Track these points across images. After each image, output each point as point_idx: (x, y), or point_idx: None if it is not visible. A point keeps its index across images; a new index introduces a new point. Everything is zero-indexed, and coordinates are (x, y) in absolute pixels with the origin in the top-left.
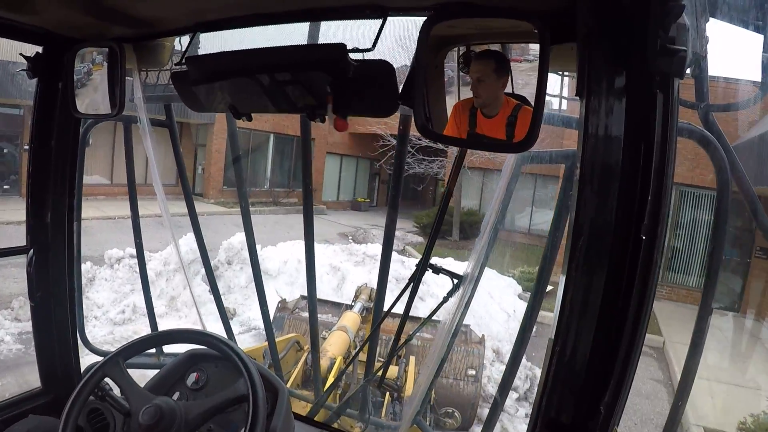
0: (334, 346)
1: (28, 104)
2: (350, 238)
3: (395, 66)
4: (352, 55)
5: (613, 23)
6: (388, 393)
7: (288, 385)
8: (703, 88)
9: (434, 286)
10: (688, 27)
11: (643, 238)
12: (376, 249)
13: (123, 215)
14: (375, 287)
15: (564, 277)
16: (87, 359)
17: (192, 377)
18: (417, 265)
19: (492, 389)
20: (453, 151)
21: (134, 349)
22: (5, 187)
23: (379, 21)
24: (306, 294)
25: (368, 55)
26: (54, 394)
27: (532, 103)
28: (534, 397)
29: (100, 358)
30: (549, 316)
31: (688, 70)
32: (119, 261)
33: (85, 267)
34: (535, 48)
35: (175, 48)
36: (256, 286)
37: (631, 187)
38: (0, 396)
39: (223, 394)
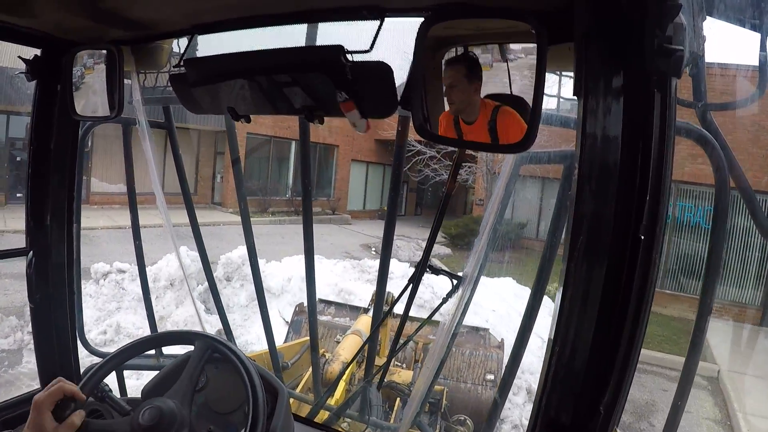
0: (347, 350)
1: None
2: (373, 249)
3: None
4: (350, 57)
5: (611, 23)
6: (399, 398)
7: (298, 389)
8: (701, 87)
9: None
10: (685, 26)
11: (642, 237)
12: (394, 264)
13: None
14: (394, 293)
15: (563, 277)
16: (86, 361)
17: None
18: (416, 266)
19: (510, 394)
20: (483, 156)
21: (134, 350)
22: (18, 195)
23: (377, 23)
24: (323, 298)
25: (367, 57)
26: None
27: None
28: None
29: (99, 359)
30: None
31: (685, 69)
32: (105, 276)
33: None
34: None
35: (173, 50)
36: (256, 289)
37: (630, 186)
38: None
39: (224, 402)
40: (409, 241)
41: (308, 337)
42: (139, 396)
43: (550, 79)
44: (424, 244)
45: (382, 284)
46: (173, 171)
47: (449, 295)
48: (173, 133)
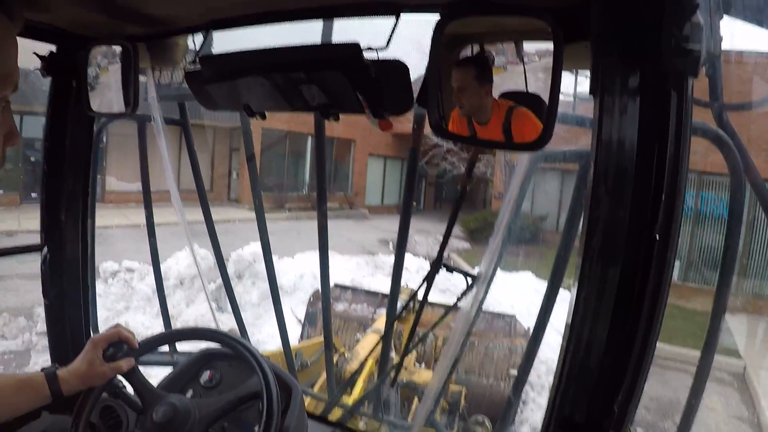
0: (367, 349)
1: None
2: (391, 244)
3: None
4: (367, 54)
5: (627, 22)
6: (417, 397)
7: (316, 388)
8: (717, 87)
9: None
10: (702, 26)
11: (657, 237)
12: (409, 258)
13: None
14: (414, 288)
15: (578, 276)
16: None
17: (205, 375)
18: (431, 264)
19: (534, 392)
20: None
21: (148, 346)
22: (33, 195)
23: (393, 20)
24: (339, 283)
25: (382, 53)
26: None
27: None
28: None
29: None
30: None
31: (702, 69)
32: (114, 275)
33: None
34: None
35: (189, 47)
36: (270, 285)
37: (645, 186)
38: None
39: (236, 391)
40: (428, 236)
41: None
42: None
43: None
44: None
45: (396, 282)
46: (188, 168)
47: (464, 293)
48: (188, 130)
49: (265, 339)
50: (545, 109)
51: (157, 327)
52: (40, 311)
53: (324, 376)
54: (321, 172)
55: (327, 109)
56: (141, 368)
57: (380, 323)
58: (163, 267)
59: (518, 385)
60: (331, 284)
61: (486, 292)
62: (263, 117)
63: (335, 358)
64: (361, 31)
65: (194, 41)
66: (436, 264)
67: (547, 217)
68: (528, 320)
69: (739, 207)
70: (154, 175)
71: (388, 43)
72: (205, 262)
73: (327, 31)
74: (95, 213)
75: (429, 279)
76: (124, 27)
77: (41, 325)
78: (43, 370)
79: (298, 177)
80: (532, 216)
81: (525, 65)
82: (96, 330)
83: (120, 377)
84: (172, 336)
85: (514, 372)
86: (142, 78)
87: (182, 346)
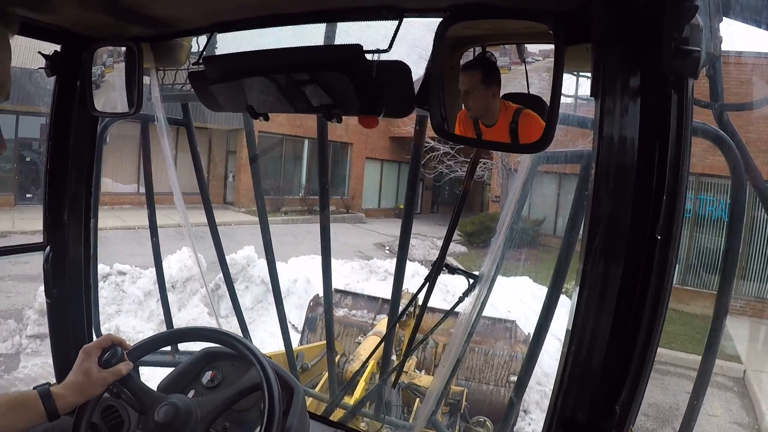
0: (368, 351)
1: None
2: (387, 248)
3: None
4: (369, 56)
5: (628, 24)
6: (418, 399)
7: (317, 389)
8: (718, 88)
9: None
10: (702, 27)
11: (659, 237)
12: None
13: (145, 225)
14: (413, 292)
15: (579, 276)
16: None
17: (207, 375)
18: (432, 265)
19: (535, 396)
20: (498, 153)
21: (149, 346)
22: (28, 195)
23: (395, 22)
24: (339, 288)
25: (385, 56)
26: None
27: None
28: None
29: None
30: None
31: (702, 70)
32: (105, 278)
33: None
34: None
35: (193, 48)
36: (273, 287)
37: (646, 186)
38: None
39: (235, 386)
40: (424, 239)
41: (322, 342)
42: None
43: (567, 80)
44: (439, 243)
45: (399, 283)
46: (186, 169)
47: (465, 294)
48: (192, 131)
49: (257, 344)
50: (546, 111)
51: (149, 331)
52: (30, 314)
53: (325, 376)
54: (323, 175)
55: (330, 111)
56: (143, 369)
57: (381, 326)
58: (154, 270)
59: (520, 386)
60: (309, 315)
61: (489, 293)
62: (266, 118)
63: (337, 359)
64: (366, 34)
65: (198, 42)
66: (438, 265)
67: (545, 221)
68: (526, 325)
69: (740, 207)
70: (154, 176)
71: (390, 45)
72: (197, 266)
73: (330, 34)
74: (98, 213)
75: (431, 280)
76: (128, 28)
77: (31, 328)
78: (35, 388)
79: (294, 180)
80: (530, 220)
81: (528, 65)
82: (98, 329)
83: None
84: (173, 336)
85: (514, 378)
86: (145, 79)
87: (183, 347)
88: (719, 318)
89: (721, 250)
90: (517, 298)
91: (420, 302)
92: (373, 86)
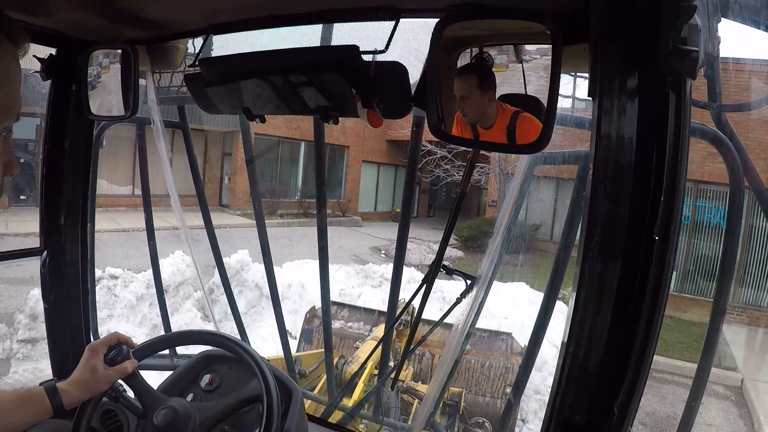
0: (367, 354)
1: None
2: (383, 252)
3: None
4: (366, 57)
5: (626, 24)
6: (417, 400)
7: (315, 391)
8: (716, 88)
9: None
10: (700, 27)
11: (656, 238)
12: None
13: (139, 227)
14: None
15: (577, 278)
16: None
17: (206, 378)
18: (430, 267)
19: (534, 405)
20: (496, 157)
21: (148, 350)
22: (22, 197)
23: (392, 23)
24: (337, 300)
25: (381, 57)
26: None
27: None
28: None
29: None
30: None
31: (700, 71)
32: (97, 282)
33: None
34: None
35: (188, 50)
36: (270, 290)
37: (644, 187)
38: None
39: (237, 395)
40: (420, 243)
41: (323, 349)
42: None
43: (564, 80)
44: (435, 247)
45: (396, 287)
46: (181, 171)
47: (463, 295)
48: (188, 133)
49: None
50: (544, 111)
51: (141, 336)
52: (21, 318)
53: (323, 379)
54: (320, 177)
55: (327, 112)
56: (141, 372)
57: (380, 332)
58: (147, 274)
59: (518, 387)
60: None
61: (486, 295)
62: (263, 120)
63: (335, 361)
64: (363, 35)
65: (194, 45)
66: (436, 265)
67: (541, 225)
68: (523, 333)
69: (738, 208)
70: (150, 179)
71: (387, 46)
72: (191, 269)
73: (327, 35)
74: (95, 216)
75: (428, 281)
76: (124, 31)
77: (22, 332)
78: (42, 384)
79: (290, 183)
80: (527, 224)
81: (526, 63)
82: (96, 334)
83: (121, 381)
84: (172, 339)
85: (510, 390)
86: (141, 81)
87: (182, 350)
88: (717, 319)
89: (719, 257)
90: (513, 304)
91: (423, 303)
92: (369, 86)
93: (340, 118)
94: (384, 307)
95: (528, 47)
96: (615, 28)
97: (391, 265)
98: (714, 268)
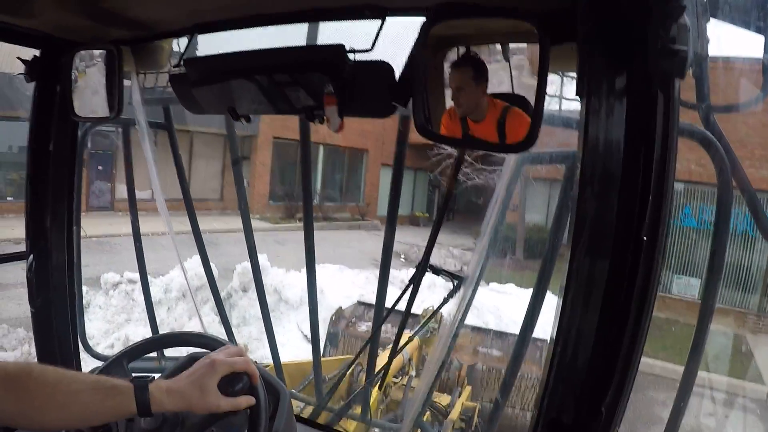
0: (384, 362)
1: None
2: (402, 256)
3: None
4: (352, 56)
5: (614, 23)
6: (429, 412)
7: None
8: (704, 88)
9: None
10: (689, 27)
11: (645, 238)
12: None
13: (158, 231)
14: (433, 306)
15: (565, 278)
16: (89, 364)
17: None
18: (417, 267)
19: None
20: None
21: (136, 352)
22: (9, 198)
23: (378, 22)
24: (363, 300)
25: (368, 56)
26: None
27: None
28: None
29: (101, 363)
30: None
31: (689, 71)
32: (115, 286)
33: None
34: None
35: (174, 50)
36: (257, 289)
37: (632, 187)
38: None
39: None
40: (440, 248)
41: (348, 356)
42: None
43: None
44: (455, 252)
45: (383, 286)
46: (199, 176)
47: (450, 295)
48: (173, 134)
49: (269, 354)
50: (531, 111)
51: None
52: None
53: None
54: (307, 179)
55: (312, 112)
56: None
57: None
58: (165, 279)
59: (506, 387)
60: (354, 301)
61: (473, 294)
62: (248, 120)
63: (351, 369)
64: (350, 34)
65: (179, 44)
66: (422, 267)
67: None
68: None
69: (726, 209)
70: (163, 182)
71: (373, 45)
72: (184, 277)
73: (312, 34)
74: (80, 219)
75: (415, 282)
76: (108, 31)
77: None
78: (132, 380)
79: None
80: (547, 229)
81: (497, 63)
82: (83, 337)
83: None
84: (161, 341)
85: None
86: (126, 82)
87: (170, 352)
88: (704, 320)
89: (733, 263)
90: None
91: (410, 303)
92: (355, 86)
93: (358, 122)
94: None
95: (497, 48)
96: (603, 27)
97: (412, 270)
98: (741, 276)
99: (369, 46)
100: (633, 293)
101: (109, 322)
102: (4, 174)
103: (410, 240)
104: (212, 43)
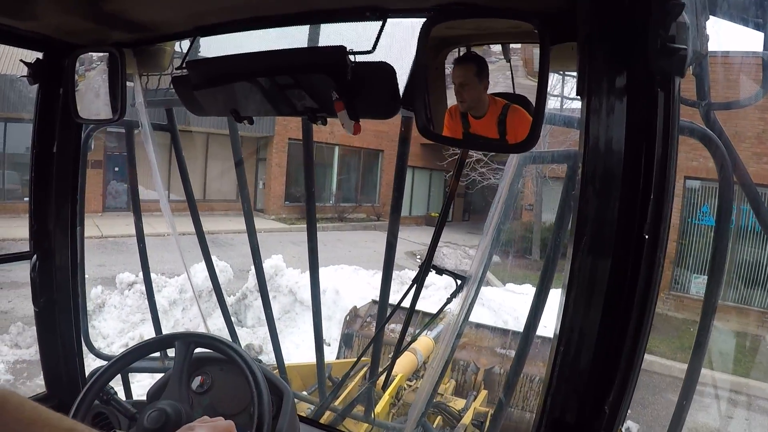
0: (399, 365)
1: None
2: (418, 257)
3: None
4: (353, 58)
5: (614, 23)
6: (440, 416)
7: (338, 401)
8: (704, 86)
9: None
10: (689, 25)
11: (646, 237)
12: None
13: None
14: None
15: (567, 276)
16: (92, 364)
17: (197, 381)
18: (420, 267)
19: None
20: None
21: (139, 353)
22: (26, 199)
23: (379, 23)
24: (377, 299)
25: (369, 57)
26: (59, 398)
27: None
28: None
29: (104, 363)
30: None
31: (689, 69)
32: (131, 286)
33: (96, 291)
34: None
35: (176, 52)
36: (260, 286)
37: (634, 186)
38: None
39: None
40: (456, 248)
41: (365, 359)
42: (145, 399)
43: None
44: (471, 252)
45: (386, 286)
46: (216, 177)
47: (453, 295)
48: (176, 136)
49: (284, 355)
50: (531, 110)
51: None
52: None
53: (349, 387)
54: (309, 180)
55: (314, 114)
56: (132, 375)
57: (417, 343)
58: (180, 279)
59: (509, 387)
60: (369, 300)
61: (477, 294)
62: (251, 122)
63: (363, 371)
64: (350, 36)
65: (181, 47)
66: (426, 266)
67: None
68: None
69: (727, 206)
70: (176, 184)
71: (374, 46)
72: (224, 274)
73: (315, 36)
74: (84, 220)
75: (419, 281)
76: (110, 33)
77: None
78: None
79: (324, 188)
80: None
81: (492, 64)
82: (87, 337)
83: (112, 384)
84: (164, 341)
85: None
86: (129, 84)
87: (173, 352)
88: (707, 317)
89: (749, 262)
90: (554, 312)
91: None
92: (356, 88)
93: (374, 122)
94: (427, 311)
95: (493, 48)
96: (603, 27)
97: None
98: (759, 275)
99: (370, 48)
100: (635, 291)
101: (124, 322)
102: (21, 175)
103: (426, 240)
104: (214, 46)
